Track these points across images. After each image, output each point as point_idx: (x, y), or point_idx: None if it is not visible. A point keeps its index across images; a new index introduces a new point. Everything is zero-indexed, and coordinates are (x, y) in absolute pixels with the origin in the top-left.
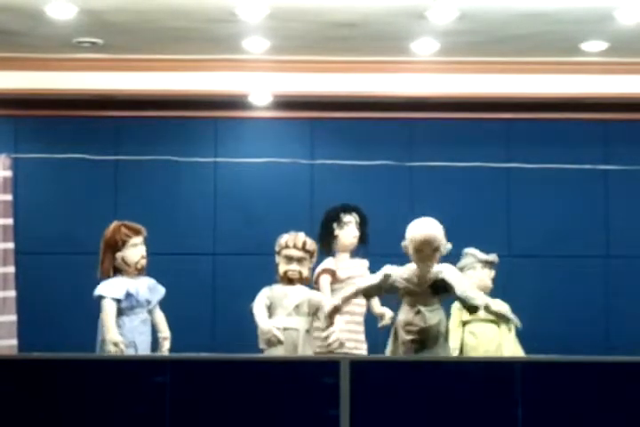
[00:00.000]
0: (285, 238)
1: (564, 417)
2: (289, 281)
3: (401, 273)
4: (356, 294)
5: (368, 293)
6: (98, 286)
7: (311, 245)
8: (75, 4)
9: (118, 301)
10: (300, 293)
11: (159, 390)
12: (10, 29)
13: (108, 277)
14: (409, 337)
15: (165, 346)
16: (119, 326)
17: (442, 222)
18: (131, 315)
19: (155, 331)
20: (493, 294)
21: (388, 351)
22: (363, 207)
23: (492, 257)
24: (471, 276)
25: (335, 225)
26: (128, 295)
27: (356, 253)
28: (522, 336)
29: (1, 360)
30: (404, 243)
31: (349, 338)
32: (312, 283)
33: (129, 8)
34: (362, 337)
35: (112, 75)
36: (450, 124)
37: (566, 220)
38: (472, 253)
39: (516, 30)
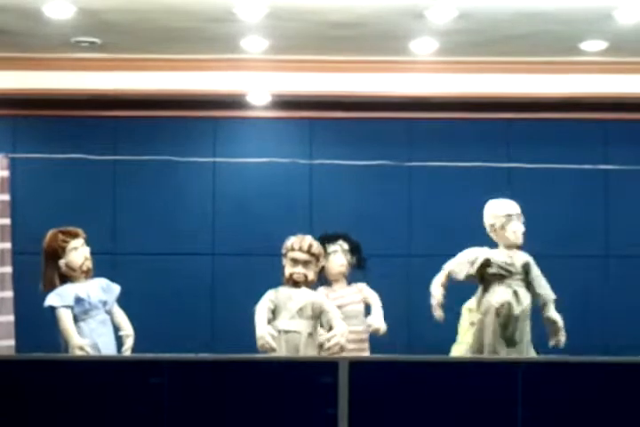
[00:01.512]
0: (292, 241)
1: (564, 417)
2: (294, 284)
3: (493, 255)
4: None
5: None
6: (46, 297)
7: (317, 248)
8: (73, 4)
9: (71, 307)
10: (304, 296)
11: (156, 390)
12: (8, 29)
13: (53, 287)
14: (504, 320)
15: (128, 343)
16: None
17: (441, 222)
18: (87, 319)
19: (117, 330)
20: None
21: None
22: (361, 207)
23: None
24: None
25: None
26: (79, 300)
27: (351, 278)
28: None
29: None
30: (493, 224)
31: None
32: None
33: (127, 8)
34: (366, 354)
35: (111, 74)
36: (449, 124)
37: (566, 220)
38: None
39: (515, 30)
